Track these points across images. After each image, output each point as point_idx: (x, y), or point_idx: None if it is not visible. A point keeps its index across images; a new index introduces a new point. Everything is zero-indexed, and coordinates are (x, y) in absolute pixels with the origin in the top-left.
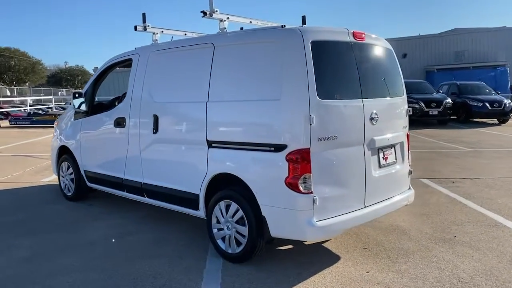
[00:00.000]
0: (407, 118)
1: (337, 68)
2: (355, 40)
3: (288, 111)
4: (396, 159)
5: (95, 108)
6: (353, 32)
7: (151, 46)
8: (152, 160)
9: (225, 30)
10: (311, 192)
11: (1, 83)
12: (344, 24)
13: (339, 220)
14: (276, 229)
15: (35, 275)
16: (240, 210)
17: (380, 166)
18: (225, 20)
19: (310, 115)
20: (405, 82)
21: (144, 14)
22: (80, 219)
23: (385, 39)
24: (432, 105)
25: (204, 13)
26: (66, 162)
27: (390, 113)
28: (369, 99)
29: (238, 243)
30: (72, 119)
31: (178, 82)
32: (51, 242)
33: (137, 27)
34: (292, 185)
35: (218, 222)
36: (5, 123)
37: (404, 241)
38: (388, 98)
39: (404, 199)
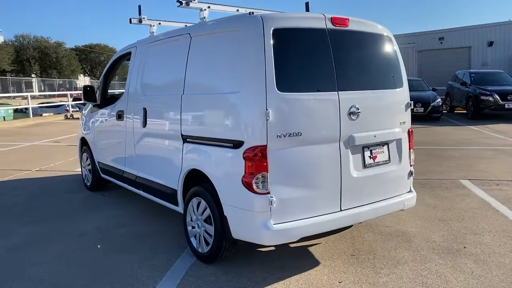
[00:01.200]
0: (408, 113)
1: (305, 58)
2: (334, 27)
3: (245, 105)
4: (389, 158)
5: (107, 101)
6: (331, 18)
7: (146, 39)
8: (142, 153)
9: (205, 20)
10: (268, 193)
11: (92, 77)
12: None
13: (302, 224)
14: (236, 231)
15: (16, 263)
16: (208, 208)
17: (365, 166)
18: (205, 9)
19: (266, 110)
20: (478, 72)
21: (139, 6)
22: (86, 209)
23: (469, 26)
24: (508, 97)
25: (180, 2)
26: (85, 153)
27: (381, 107)
28: (348, 91)
29: (207, 243)
30: (90, 112)
31: (162, 75)
32: (47, 230)
33: (132, 19)
34: (247, 184)
35: (191, 219)
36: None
37: (401, 250)
38: (378, 90)
39: (399, 203)
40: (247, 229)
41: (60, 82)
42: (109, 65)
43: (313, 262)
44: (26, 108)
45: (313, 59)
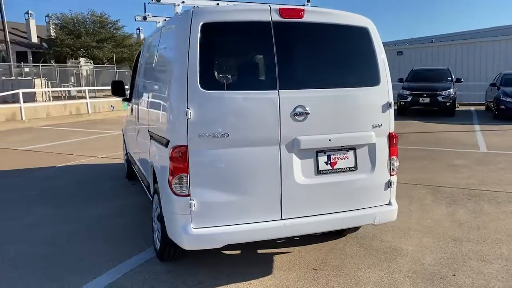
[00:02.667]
0: (386, 114)
1: (238, 54)
2: (282, 19)
3: (170, 103)
4: (356, 165)
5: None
6: (279, 9)
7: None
8: (137, 147)
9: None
10: (188, 195)
11: None
12: None
13: (228, 230)
14: (168, 231)
15: (14, 238)
16: (159, 206)
17: (318, 172)
18: (178, 5)
19: (187, 108)
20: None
21: (145, 4)
22: (108, 196)
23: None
24: None
25: None
26: (124, 144)
27: (342, 107)
28: (294, 90)
29: (159, 240)
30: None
31: (147, 69)
32: (60, 214)
33: (136, 17)
34: (170, 185)
35: (153, 215)
36: None
37: (373, 270)
38: (339, 89)
39: (367, 216)
40: (172, 230)
41: None
42: (136, 60)
43: (265, 272)
44: None
45: (249, 55)
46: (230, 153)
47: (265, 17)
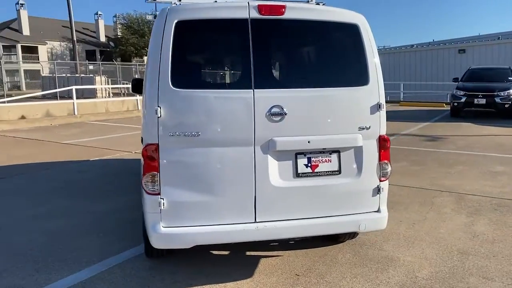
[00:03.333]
0: (376, 116)
1: (213, 52)
2: (261, 16)
3: (143, 101)
4: (339, 169)
5: None
6: (257, 6)
7: None
8: None
9: None
10: (158, 194)
11: None
12: None
13: (198, 230)
14: (146, 229)
15: (18, 228)
16: None
17: (297, 175)
18: (175, 3)
19: (157, 107)
20: None
21: (155, 5)
22: (126, 190)
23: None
24: None
25: None
26: None
27: (324, 108)
28: (270, 89)
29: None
30: None
31: None
32: (72, 207)
33: (147, 15)
34: (141, 183)
35: None
36: None
37: (359, 280)
38: (321, 88)
39: (350, 223)
40: (146, 228)
41: None
42: None
43: (246, 274)
44: None
45: (224, 53)
46: (201, 152)
47: (242, 14)
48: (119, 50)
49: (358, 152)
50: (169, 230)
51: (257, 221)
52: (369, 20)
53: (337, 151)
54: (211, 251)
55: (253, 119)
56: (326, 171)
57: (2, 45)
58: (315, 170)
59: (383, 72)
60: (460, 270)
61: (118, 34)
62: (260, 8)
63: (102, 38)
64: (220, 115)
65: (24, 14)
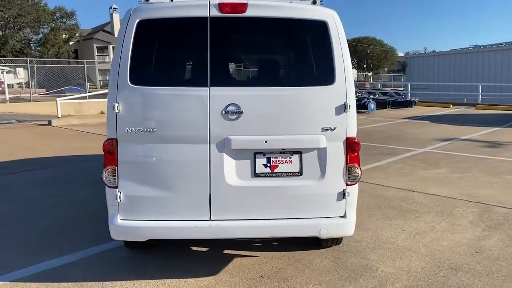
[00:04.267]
0: (343, 117)
1: (171, 50)
2: (221, 15)
3: (107, 96)
4: (301, 170)
5: None
6: (218, 5)
7: None
8: None
9: None
10: (116, 187)
11: (359, 70)
12: None
13: (153, 225)
14: None
15: (34, 212)
16: None
17: (255, 175)
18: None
19: (116, 102)
20: None
21: None
22: None
23: None
24: None
25: None
26: None
27: (283, 107)
28: (227, 88)
29: None
30: None
31: None
32: (92, 197)
33: None
34: (103, 176)
35: None
36: None
37: None
38: (280, 87)
39: (310, 227)
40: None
41: None
42: None
43: (211, 272)
44: None
45: (181, 51)
46: (157, 149)
47: (202, 12)
48: None
49: (322, 154)
50: (125, 223)
51: (212, 219)
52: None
53: (299, 152)
54: (191, 247)
55: (208, 117)
56: (286, 172)
57: (96, 47)
58: (275, 171)
59: (459, 72)
60: (439, 286)
61: None
62: (221, 6)
63: None
64: (176, 112)
65: (116, 18)
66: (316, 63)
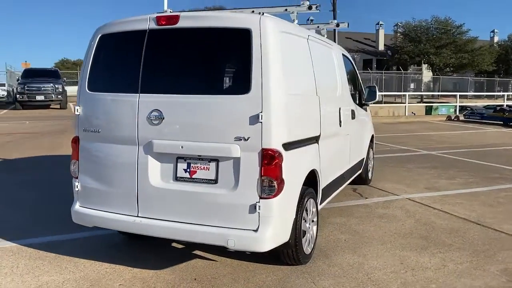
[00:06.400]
0: (257, 127)
1: (116, 60)
2: (157, 27)
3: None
4: (216, 179)
5: None
6: (155, 18)
7: None
8: None
9: None
10: (77, 178)
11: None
12: None
13: (97, 214)
14: None
15: None
16: None
17: (176, 179)
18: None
19: (78, 105)
20: None
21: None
22: None
23: None
24: None
25: None
26: None
27: (198, 114)
28: (152, 95)
29: None
30: None
31: None
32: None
33: None
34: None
35: None
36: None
37: None
38: (195, 95)
39: (217, 236)
40: None
41: None
42: None
43: (156, 266)
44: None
45: (122, 61)
46: (101, 147)
47: (143, 26)
48: (394, 58)
49: (236, 163)
50: (79, 209)
51: (139, 215)
52: None
53: (216, 159)
54: (169, 242)
55: (137, 121)
56: (203, 179)
57: None
58: (193, 176)
59: None
60: None
61: (396, 43)
62: (158, 19)
63: (381, 47)
64: (113, 115)
65: None
66: (235, 71)
